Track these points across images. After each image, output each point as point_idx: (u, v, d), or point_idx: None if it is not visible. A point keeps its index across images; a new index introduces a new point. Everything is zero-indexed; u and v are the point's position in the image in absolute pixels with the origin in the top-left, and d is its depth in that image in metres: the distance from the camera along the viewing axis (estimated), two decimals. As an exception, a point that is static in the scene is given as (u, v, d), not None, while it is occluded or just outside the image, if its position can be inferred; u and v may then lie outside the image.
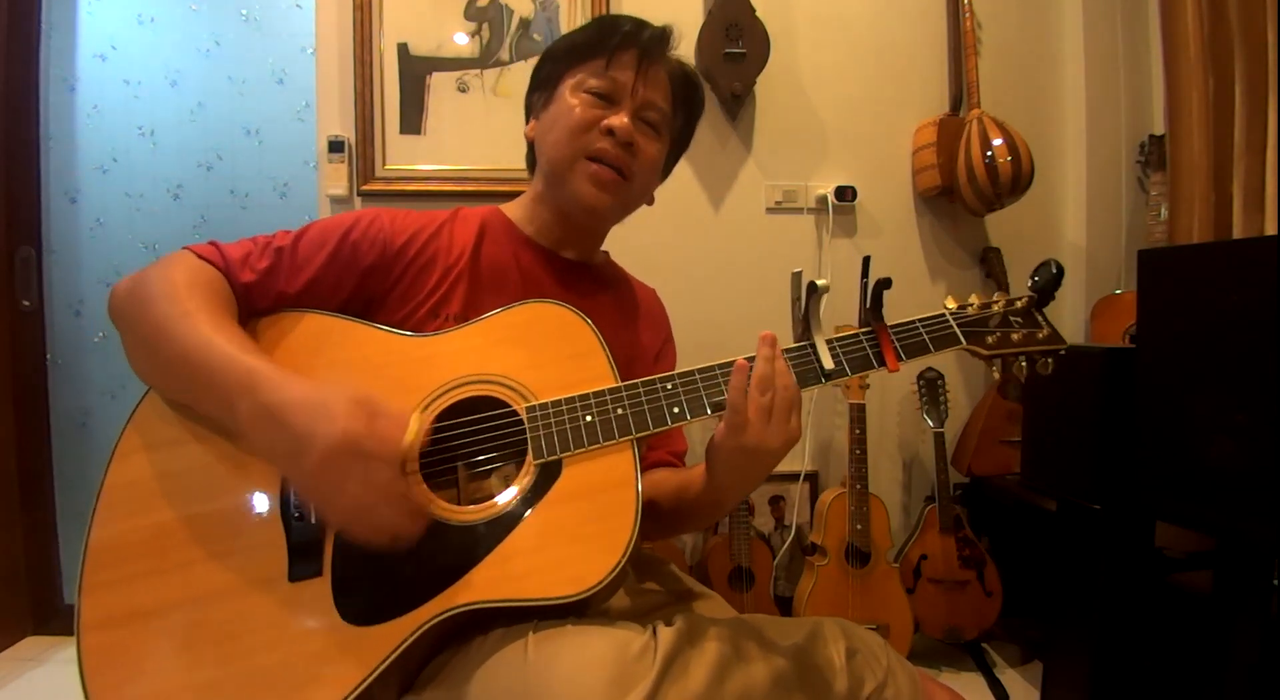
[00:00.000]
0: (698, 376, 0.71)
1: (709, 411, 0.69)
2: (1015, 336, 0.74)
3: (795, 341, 0.73)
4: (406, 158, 1.76)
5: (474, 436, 0.69)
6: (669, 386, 0.70)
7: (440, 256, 0.82)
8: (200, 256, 0.71)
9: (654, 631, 0.60)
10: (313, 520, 0.64)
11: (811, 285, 0.71)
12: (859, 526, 1.65)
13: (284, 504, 0.65)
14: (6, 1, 1.85)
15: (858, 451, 1.66)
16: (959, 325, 0.73)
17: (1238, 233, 1.56)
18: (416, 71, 1.75)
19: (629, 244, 1.11)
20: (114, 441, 0.67)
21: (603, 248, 0.97)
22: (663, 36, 0.85)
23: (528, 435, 0.68)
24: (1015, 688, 1.64)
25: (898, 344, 0.72)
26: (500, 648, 0.60)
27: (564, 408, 0.69)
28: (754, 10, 1.74)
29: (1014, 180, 1.68)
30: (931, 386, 1.77)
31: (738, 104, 1.85)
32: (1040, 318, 0.75)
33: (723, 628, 0.64)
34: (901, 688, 0.68)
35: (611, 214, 0.88)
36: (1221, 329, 1.05)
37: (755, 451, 0.66)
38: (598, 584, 0.61)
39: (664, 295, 1.03)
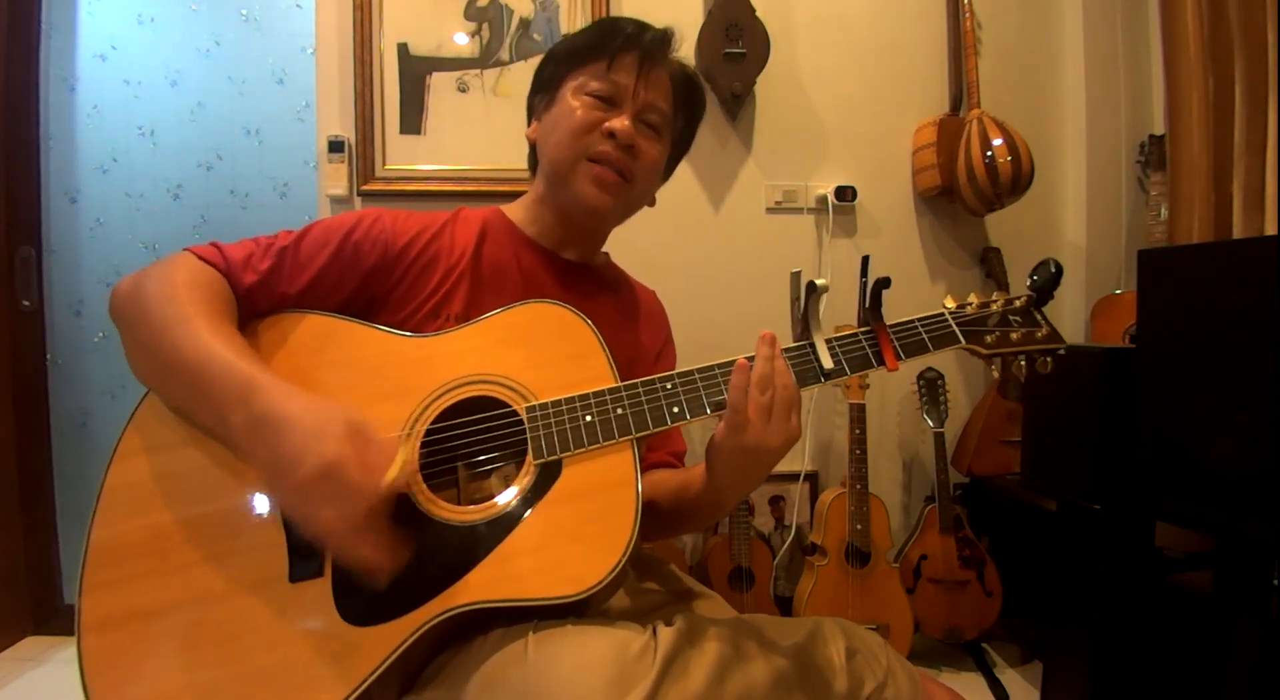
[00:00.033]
0: (697, 376, 0.71)
1: (709, 411, 0.69)
2: (1014, 336, 0.74)
3: (795, 341, 0.73)
4: (406, 158, 1.76)
5: (474, 437, 0.69)
6: (669, 386, 0.70)
7: (442, 257, 0.82)
8: (201, 258, 0.71)
9: (654, 632, 0.60)
10: None
11: (811, 285, 0.71)
12: (859, 526, 1.65)
13: (284, 505, 0.65)
14: (6, 1, 1.85)
15: (858, 451, 1.66)
16: (958, 324, 0.74)
17: (1238, 233, 1.56)
18: (416, 71, 1.76)
19: (629, 244, 1.11)
20: (114, 442, 0.67)
21: (603, 249, 0.97)
22: (664, 39, 0.86)
23: (528, 435, 0.68)
24: (1015, 688, 1.64)
25: (897, 343, 0.72)
26: (500, 648, 0.60)
27: (564, 408, 0.69)
28: (754, 10, 1.74)
29: (1014, 180, 1.68)
30: (931, 386, 1.77)
31: (738, 104, 1.85)
32: (1039, 317, 0.75)
33: (723, 628, 0.64)
34: (901, 687, 0.68)
35: (613, 215, 0.88)
36: (1221, 329, 1.05)
37: (755, 451, 0.66)
38: (598, 584, 0.61)
39: (664, 295, 1.03)
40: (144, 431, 0.68)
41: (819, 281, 0.70)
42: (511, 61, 1.78)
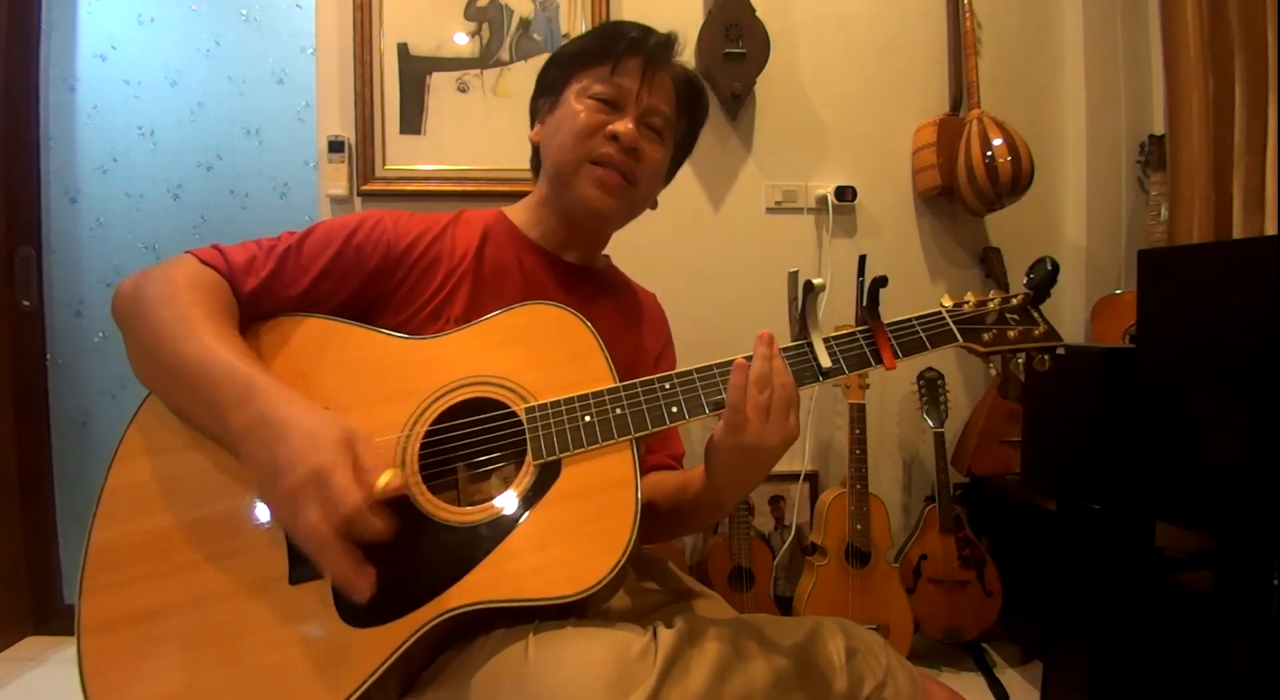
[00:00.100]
0: (696, 376, 0.71)
1: (707, 411, 0.70)
2: (1011, 334, 0.74)
3: (793, 340, 0.73)
4: (406, 158, 1.76)
5: (474, 438, 0.69)
6: (667, 386, 0.70)
7: (443, 258, 0.82)
8: (203, 261, 0.71)
9: (654, 633, 0.60)
10: None
11: (808, 284, 0.71)
12: (859, 526, 1.65)
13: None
14: (6, 1, 1.85)
15: (858, 451, 1.66)
16: (955, 323, 0.74)
17: (1238, 233, 1.56)
18: (416, 71, 1.76)
19: (630, 244, 1.11)
20: (114, 442, 0.67)
21: (604, 251, 0.98)
22: (668, 43, 0.86)
23: (527, 436, 0.68)
24: (1015, 688, 1.64)
25: (894, 342, 0.72)
26: (501, 649, 0.60)
27: (563, 408, 0.69)
28: (754, 10, 1.74)
29: (1014, 180, 1.68)
30: (931, 386, 1.77)
31: (738, 104, 1.85)
32: (1036, 315, 0.75)
33: (723, 628, 0.64)
34: (901, 687, 0.68)
35: (616, 218, 0.88)
36: (1221, 329, 1.05)
37: (754, 450, 0.66)
38: (597, 584, 0.61)
39: (664, 295, 1.03)
40: (146, 433, 0.68)
41: (816, 281, 0.70)
42: (511, 61, 1.78)
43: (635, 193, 0.86)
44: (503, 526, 0.64)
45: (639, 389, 0.70)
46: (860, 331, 0.73)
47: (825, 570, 1.66)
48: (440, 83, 1.76)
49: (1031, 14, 1.94)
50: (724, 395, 0.67)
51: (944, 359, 1.88)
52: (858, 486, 1.66)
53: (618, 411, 0.69)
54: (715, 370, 0.71)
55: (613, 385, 0.71)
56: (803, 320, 0.72)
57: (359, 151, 1.74)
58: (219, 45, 2.23)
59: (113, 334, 2.13)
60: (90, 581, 0.62)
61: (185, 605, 0.61)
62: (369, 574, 0.57)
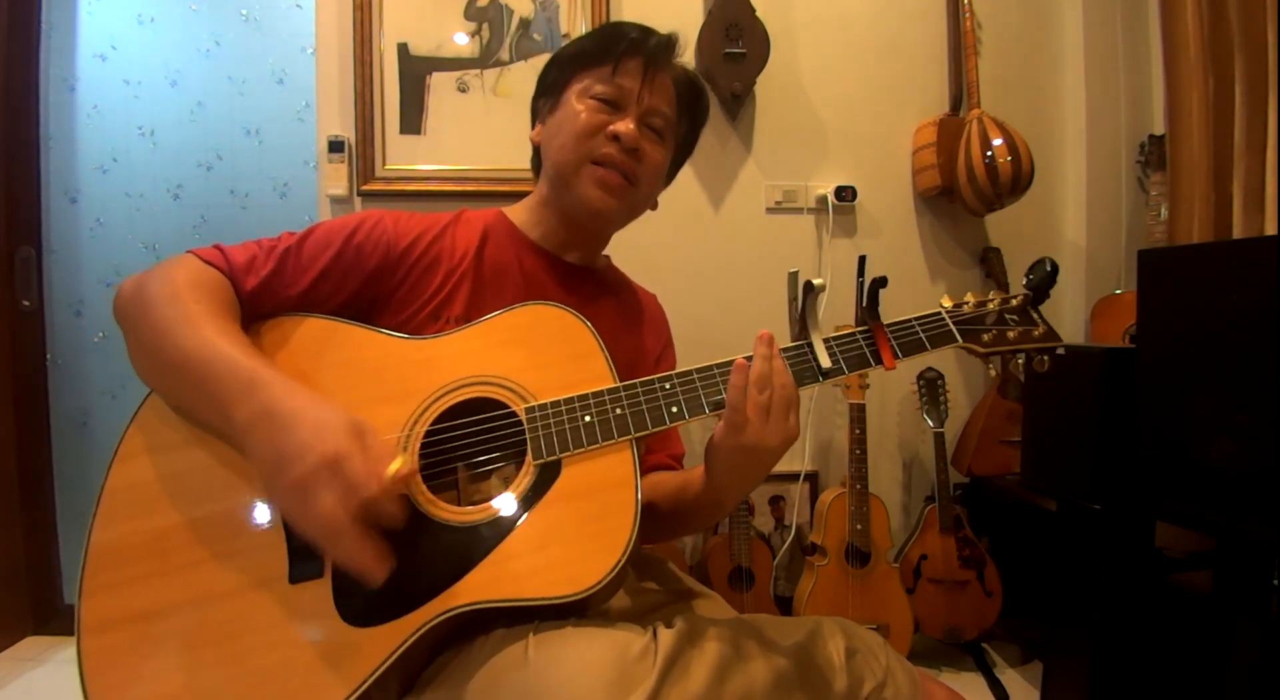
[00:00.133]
0: (696, 376, 0.71)
1: (707, 411, 0.70)
2: (1011, 334, 0.74)
3: (793, 341, 0.73)
4: (406, 158, 1.76)
5: (474, 438, 0.69)
6: (667, 386, 0.70)
7: (444, 259, 0.82)
8: (204, 260, 0.71)
9: (654, 633, 0.61)
10: None
11: (808, 284, 0.71)
12: (859, 526, 1.65)
13: (284, 505, 0.65)
14: (6, 1, 1.85)
15: (858, 451, 1.66)
16: (955, 323, 0.74)
17: (1238, 233, 1.56)
18: (416, 71, 1.76)
19: (630, 244, 1.11)
20: (114, 442, 0.67)
21: (604, 251, 0.98)
22: (668, 44, 0.86)
23: (527, 436, 0.68)
24: (1015, 688, 1.64)
25: (894, 342, 0.72)
26: (501, 649, 0.60)
27: (563, 408, 0.69)
28: (754, 10, 1.74)
29: (1014, 180, 1.68)
30: (931, 386, 1.77)
31: (738, 104, 1.85)
32: (1035, 315, 0.76)
33: (723, 628, 0.64)
34: (901, 687, 0.68)
35: (617, 218, 0.89)
36: (1221, 329, 1.05)
37: (754, 450, 0.66)
38: (597, 584, 0.61)
39: (664, 295, 1.03)
40: (146, 432, 0.68)
41: (816, 281, 0.70)
42: (511, 61, 1.78)
43: (636, 193, 0.86)
44: (503, 526, 0.64)
45: (639, 389, 0.70)
46: (860, 332, 0.73)
47: (825, 570, 1.66)
48: (440, 83, 1.76)
49: (1031, 14, 1.94)
50: (724, 395, 0.67)
51: (944, 359, 1.88)
52: (858, 486, 1.66)
53: (618, 411, 0.69)
54: (715, 370, 0.71)
55: (613, 385, 0.71)
56: (803, 320, 0.73)
57: (359, 151, 1.74)
58: (219, 45, 2.23)
59: (113, 334, 2.14)
60: (90, 581, 0.62)
61: (185, 605, 0.61)
62: (388, 558, 0.57)
